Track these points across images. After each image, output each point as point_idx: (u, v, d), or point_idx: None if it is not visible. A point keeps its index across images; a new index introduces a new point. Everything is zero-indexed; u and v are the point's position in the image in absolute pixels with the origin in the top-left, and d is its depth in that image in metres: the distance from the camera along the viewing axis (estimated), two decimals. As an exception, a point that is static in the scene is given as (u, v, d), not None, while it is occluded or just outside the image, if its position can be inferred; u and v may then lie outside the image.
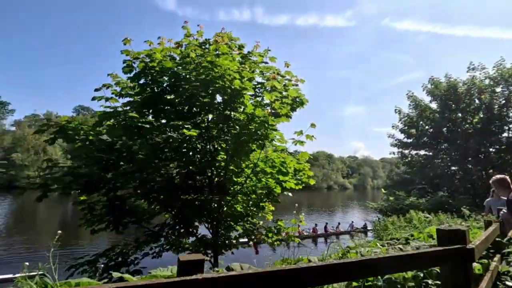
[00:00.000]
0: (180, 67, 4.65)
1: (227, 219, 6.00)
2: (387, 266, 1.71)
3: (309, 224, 21.29)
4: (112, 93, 5.25)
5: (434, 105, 21.35)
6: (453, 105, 20.06)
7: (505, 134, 19.13)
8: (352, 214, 38.20)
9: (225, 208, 5.47)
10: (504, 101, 18.93)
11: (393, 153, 22.89)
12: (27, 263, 1.89)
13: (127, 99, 5.39)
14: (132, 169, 4.61)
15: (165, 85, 4.70)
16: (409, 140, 22.01)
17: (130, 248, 6.35)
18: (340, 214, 38.94)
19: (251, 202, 6.20)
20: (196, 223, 6.77)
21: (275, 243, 5.71)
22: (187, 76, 4.66)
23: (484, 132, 18.69)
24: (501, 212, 4.34)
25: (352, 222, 24.44)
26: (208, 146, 5.77)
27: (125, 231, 6.04)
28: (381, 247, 3.68)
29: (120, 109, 4.70)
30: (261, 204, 6.05)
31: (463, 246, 2.15)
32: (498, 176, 4.58)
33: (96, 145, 4.88)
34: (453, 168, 20.81)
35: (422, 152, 22.11)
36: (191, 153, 5.54)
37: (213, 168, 5.72)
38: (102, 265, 5.41)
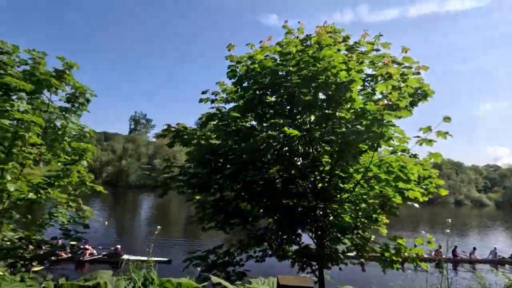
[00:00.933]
0: (281, 65, 4.45)
1: (333, 229, 5.37)
2: None
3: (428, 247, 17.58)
4: (220, 100, 5.57)
5: None
6: None
7: None
8: (494, 238, 29.89)
9: (331, 217, 4.89)
10: None
11: None
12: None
13: (232, 104, 5.62)
14: (234, 171, 4.67)
15: (265, 85, 4.60)
16: None
17: (235, 249, 6.56)
18: (475, 236, 31.08)
19: (360, 213, 5.39)
20: (299, 231, 6.42)
21: (395, 265, 4.70)
22: (288, 74, 4.42)
23: None
24: None
25: (495, 248, 18.81)
26: (311, 149, 5.35)
27: (234, 231, 6.29)
28: None
29: (225, 107, 4.88)
30: (373, 216, 5.16)
31: None
32: None
33: (205, 148, 5.23)
34: None
35: None
36: (292, 156, 5.25)
37: (316, 173, 5.25)
38: (210, 262, 5.74)
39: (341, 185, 5.28)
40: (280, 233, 6.65)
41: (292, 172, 5.55)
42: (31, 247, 5.35)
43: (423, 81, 5.02)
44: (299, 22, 5.38)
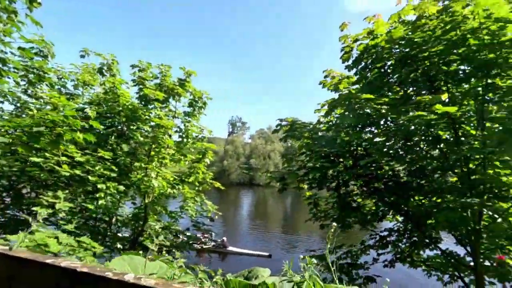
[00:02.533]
0: (418, 32, 3.63)
1: (495, 235, 4.15)
2: None
3: None
4: (341, 86, 5.11)
5: None
6: None
7: None
8: None
9: (498, 219, 3.76)
10: None
11: None
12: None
13: (346, 91, 5.07)
14: (361, 163, 4.12)
15: (394, 59, 3.88)
16: None
17: (356, 250, 5.97)
18: None
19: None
20: (436, 234, 5.33)
21: None
22: (425, 41, 3.58)
23: None
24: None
25: None
26: (453, 133, 4.28)
27: (356, 231, 5.76)
28: None
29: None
30: None
31: None
32: None
33: (318, 141, 4.87)
34: None
35: None
36: (429, 144, 4.32)
37: (467, 163, 4.17)
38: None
39: (504, 178, 4.01)
40: (407, 234, 5.70)
41: (424, 163, 4.59)
42: (170, 236, 6.12)
43: None
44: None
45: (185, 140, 6.46)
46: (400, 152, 4.56)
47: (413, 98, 3.62)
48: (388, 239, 5.80)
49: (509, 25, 3.11)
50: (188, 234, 6.30)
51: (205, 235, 15.14)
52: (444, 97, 3.81)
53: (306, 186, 5.25)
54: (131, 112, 5.57)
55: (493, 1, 3.10)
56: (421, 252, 5.68)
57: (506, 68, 3.44)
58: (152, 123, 5.87)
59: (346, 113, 4.06)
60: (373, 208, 5.46)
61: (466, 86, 4.01)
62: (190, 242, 6.44)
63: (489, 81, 3.70)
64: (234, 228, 24.06)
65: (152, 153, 6.10)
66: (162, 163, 6.01)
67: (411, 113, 3.37)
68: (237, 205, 38.40)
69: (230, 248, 15.35)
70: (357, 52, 4.53)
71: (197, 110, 6.52)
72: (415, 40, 3.51)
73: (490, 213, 3.61)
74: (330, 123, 5.01)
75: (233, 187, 57.37)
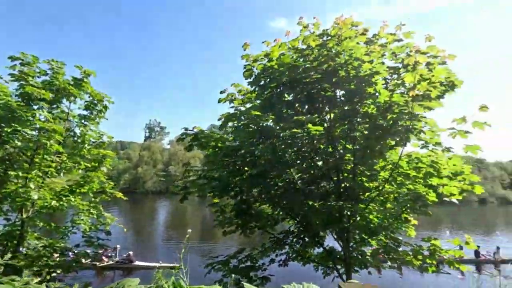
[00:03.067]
0: (299, 61, 4.29)
1: (360, 231, 5.12)
2: None
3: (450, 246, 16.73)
4: (236, 102, 5.46)
5: None
6: None
7: None
8: (525, 237, 28.29)
9: (358, 218, 4.65)
10: None
11: None
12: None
13: (249, 105, 5.49)
14: (254, 173, 4.52)
15: (283, 82, 4.45)
16: None
17: (257, 253, 6.40)
18: (502, 236, 29.49)
19: (388, 213, 5.11)
20: (322, 233, 6.18)
21: (430, 268, 4.40)
22: (307, 70, 4.26)
23: None
24: None
25: None
26: (331, 148, 5.14)
27: (255, 235, 6.14)
28: None
29: (243, 108, 4.76)
30: (403, 216, 4.88)
31: None
32: None
33: (223, 150, 5.12)
34: None
35: None
36: (314, 155, 5.06)
37: (338, 172, 5.04)
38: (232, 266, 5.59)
39: (366, 184, 5.03)
40: (302, 236, 6.44)
41: (312, 172, 5.36)
42: (55, 255, 5.37)
43: (450, 71, 4.73)
44: (314, 18, 5.23)
45: (80, 146, 5.83)
46: (291, 162, 5.17)
47: (297, 116, 4.20)
48: (285, 240, 6.44)
49: (364, 64, 3.96)
50: (76, 251, 5.63)
51: (108, 251, 13.70)
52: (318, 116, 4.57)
53: (210, 194, 5.41)
54: (6, 111, 4.75)
55: (353, 44, 3.91)
56: (312, 250, 6.50)
57: (364, 97, 4.34)
58: (38, 126, 5.12)
59: (241, 126, 4.42)
60: (271, 213, 6.01)
61: (346, 108, 4.92)
62: (87, 260, 5.78)
63: (355, 107, 4.61)
64: (147, 240, 22.45)
65: (36, 160, 5.30)
66: (48, 172, 5.27)
67: (294, 129, 3.92)
68: (151, 215, 35.92)
69: (137, 263, 14.27)
70: (257, 71, 4.99)
71: (95, 113, 5.98)
72: (300, 67, 4.14)
73: (349, 213, 4.43)
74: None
75: (149, 196, 53.56)
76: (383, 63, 4.76)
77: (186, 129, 5.19)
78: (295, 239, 6.39)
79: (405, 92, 3.61)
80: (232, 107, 4.88)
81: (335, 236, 5.31)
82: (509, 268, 16.02)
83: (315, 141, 4.62)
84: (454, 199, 4.04)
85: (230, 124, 4.73)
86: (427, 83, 3.81)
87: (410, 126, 3.61)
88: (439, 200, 4.14)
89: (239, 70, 5.67)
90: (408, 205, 4.32)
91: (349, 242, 5.07)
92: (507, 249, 18.57)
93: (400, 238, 5.34)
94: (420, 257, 4.56)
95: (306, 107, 5.08)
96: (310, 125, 3.55)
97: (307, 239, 6.27)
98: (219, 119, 4.83)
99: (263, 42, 4.80)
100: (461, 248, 5.10)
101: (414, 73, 3.70)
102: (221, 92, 4.83)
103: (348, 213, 4.38)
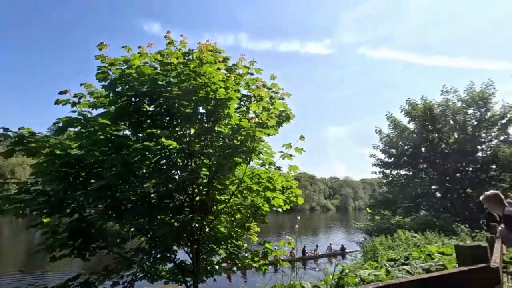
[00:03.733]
0: (161, 74, 4.32)
1: (209, 241, 5.46)
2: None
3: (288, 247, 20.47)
4: (85, 104, 4.79)
5: (412, 126, 22.06)
6: (430, 126, 20.79)
7: (479, 154, 19.91)
8: (334, 235, 37.75)
9: (207, 229, 4.97)
10: (476, 123, 19.86)
11: (375, 172, 23.15)
12: None
13: (101, 110, 4.94)
14: (101, 186, 4.07)
15: (143, 93, 4.31)
16: (390, 160, 22.39)
17: (97, 277, 5.61)
18: (323, 236, 38.37)
19: (235, 223, 5.73)
20: (175, 247, 6.16)
21: (262, 268, 5.20)
22: (168, 84, 4.33)
23: (460, 152, 19.35)
24: (499, 228, 4.17)
25: (330, 244, 23.92)
26: (190, 162, 5.34)
27: (98, 257, 5.37)
28: (380, 267, 3.33)
29: (89, 115, 4.23)
30: (246, 224, 5.59)
31: (487, 264, 1.86)
32: (490, 192, 4.37)
33: (62, 159, 4.32)
34: (433, 187, 21.21)
35: (402, 172, 22.49)
36: (170, 169, 5.08)
37: (194, 186, 5.26)
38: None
39: (218, 196, 5.48)
40: (153, 252, 6.18)
41: (170, 186, 5.36)
42: None
43: (287, 105, 5.96)
44: (182, 36, 5.42)
45: None
46: (147, 175, 4.99)
47: (156, 128, 4.16)
48: (134, 259, 5.98)
49: (220, 89, 4.42)
50: None
51: None
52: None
53: (36, 212, 4.39)
54: None
55: (212, 70, 4.32)
56: (163, 266, 6.33)
57: (220, 118, 4.81)
58: None
59: (86, 133, 3.94)
60: (119, 230, 5.49)
61: (205, 125, 5.24)
62: None
63: (212, 126, 5.02)
64: None
65: None
66: None
67: (146, 142, 3.85)
68: None
69: None
70: (114, 75, 4.62)
71: None
72: (159, 82, 4.17)
73: (198, 225, 4.72)
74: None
75: None
76: (239, 90, 5.47)
77: (6, 129, 4.07)
78: (145, 257, 6.05)
79: (252, 119, 4.28)
80: (74, 111, 4.23)
81: (186, 249, 5.43)
82: (324, 260, 20.84)
83: (171, 155, 4.68)
84: (280, 209, 5.03)
85: (71, 129, 4.08)
86: (267, 114, 4.68)
87: (252, 148, 4.29)
88: (270, 210, 5.05)
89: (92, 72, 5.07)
90: (249, 215, 5.02)
91: (199, 254, 5.31)
92: (324, 246, 24.16)
93: (246, 244, 6.06)
94: (256, 259, 5.32)
95: (167, 119, 5.11)
96: (163, 139, 3.60)
97: (158, 255, 6.08)
98: (55, 123, 4.08)
99: (123, 47, 4.52)
100: (293, 248, 6.35)
101: (258, 104, 4.47)
102: (61, 93, 4.13)
103: (197, 225, 4.61)
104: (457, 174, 20.09)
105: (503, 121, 19.17)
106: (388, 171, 22.63)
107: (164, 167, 4.81)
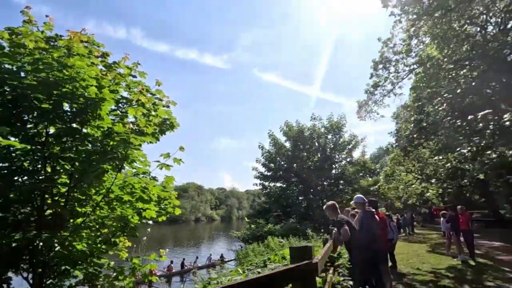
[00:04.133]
0: (8, 56, 3.46)
1: (61, 262, 4.60)
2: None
3: (167, 262, 19.62)
4: None
5: (288, 144, 25.48)
6: (301, 146, 24.61)
7: (333, 171, 24.83)
8: (216, 245, 38.46)
9: (57, 248, 4.19)
10: (333, 146, 24.81)
11: (256, 184, 25.32)
12: None
13: None
14: None
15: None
16: (269, 173, 25.03)
17: None
18: (205, 246, 38.44)
19: (99, 239, 5.06)
20: (11, 273, 4.87)
21: (128, 286, 4.76)
22: (18, 70, 3.51)
23: (321, 169, 23.65)
24: (334, 231, 5.27)
25: (211, 255, 24.34)
26: (44, 167, 4.44)
27: None
28: (242, 273, 3.65)
29: None
30: (113, 240, 5.03)
31: (310, 261, 2.34)
32: (328, 202, 5.64)
33: None
34: (300, 198, 24.91)
35: (278, 184, 25.47)
36: (12, 174, 4.06)
37: (47, 195, 4.40)
38: None
39: (79, 209, 4.74)
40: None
41: (10, 195, 4.27)
42: None
43: (171, 114, 5.84)
44: (47, 16, 4.57)
45: None
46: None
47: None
48: None
49: (91, 87, 3.94)
50: None
51: None
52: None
53: None
54: None
55: (82, 64, 3.82)
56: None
57: (89, 119, 4.25)
58: None
59: None
60: None
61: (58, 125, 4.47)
62: None
63: (78, 126, 4.37)
64: None
65: None
66: None
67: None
68: None
69: None
70: None
71: None
72: (5, 65, 3.35)
73: (41, 243, 3.96)
74: None
75: None
76: (117, 91, 5.00)
77: None
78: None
79: (124, 124, 3.98)
80: None
81: (25, 275, 4.38)
82: (204, 271, 20.78)
83: (15, 159, 3.78)
84: (151, 221, 4.81)
85: None
86: (146, 121, 4.47)
87: (125, 155, 3.98)
88: (140, 223, 4.74)
89: None
90: (116, 229, 4.55)
91: (43, 279, 4.37)
92: (205, 257, 24.14)
93: (112, 262, 5.41)
94: (121, 277, 4.83)
95: (14, 112, 4.11)
96: (1, 139, 2.87)
97: None
98: None
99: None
100: (171, 262, 6.04)
101: (137, 109, 4.21)
102: None
103: (43, 244, 3.84)
104: (318, 187, 24.29)
105: (349, 146, 24.69)
106: (266, 183, 25.14)
107: (5, 171, 3.82)
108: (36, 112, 3.91)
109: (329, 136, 25.21)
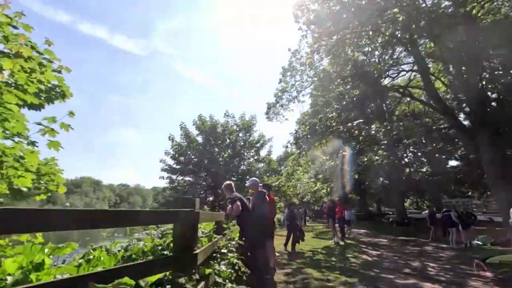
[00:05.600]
0: None
1: None
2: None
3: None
4: None
5: (200, 139, 25.39)
6: (213, 141, 24.90)
7: (241, 167, 26.05)
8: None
9: None
10: (243, 143, 26.04)
11: (163, 177, 24.28)
12: None
13: None
14: None
15: None
16: (178, 167, 24.38)
17: None
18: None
19: None
20: None
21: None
22: None
23: (230, 165, 24.48)
24: (228, 208, 5.73)
25: None
26: None
27: None
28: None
29: None
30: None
31: (193, 209, 2.63)
32: (226, 182, 6.14)
33: None
34: (208, 192, 25.15)
35: (187, 178, 25.06)
36: None
37: None
38: None
39: None
40: None
41: None
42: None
43: (63, 81, 5.24)
44: None
45: None
46: None
47: None
48: None
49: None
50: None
51: None
52: None
53: None
54: None
55: None
56: None
57: None
58: None
59: None
60: None
61: None
62: None
63: None
64: None
65: None
66: None
67: None
68: None
69: None
70: None
71: None
72: None
73: None
74: None
75: None
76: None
77: None
78: None
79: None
80: None
81: None
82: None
83: None
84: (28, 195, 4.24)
85: None
86: (27, 77, 3.93)
87: (-5, 111, 3.42)
88: (9, 197, 4.12)
89: None
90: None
91: None
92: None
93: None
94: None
95: None
96: None
97: None
98: None
99: None
100: None
101: (15, 61, 3.67)
102: None
103: None
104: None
105: (258, 145, 26.40)
106: (174, 177, 24.42)
107: None
108: None
109: (240, 134, 26.36)
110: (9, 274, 1.44)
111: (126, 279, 1.56)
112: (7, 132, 3.90)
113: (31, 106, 4.51)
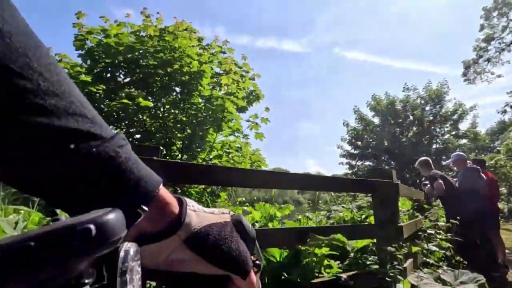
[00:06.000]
0: (138, 43, 4.61)
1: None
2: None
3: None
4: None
5: (376, 120, 23.65)
6: (392, 120, 22.46)
7: (434, 146, 21.91)
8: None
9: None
10: (432, 118, 21.80)
11: (342, 163, 24.60)
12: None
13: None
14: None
15: (120, 62, 4.60)
16: (356, 152, 23.91)
17: None
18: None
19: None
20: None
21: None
22: (145, 55, 4.64)
23: (417, 144, 21.19)
24: (427, 187, 5.02)
25: None
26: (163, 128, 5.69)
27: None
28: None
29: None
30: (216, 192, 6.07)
31: (391, 180, 2.51)
32: (421, 158, 5.32)
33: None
34: (393, 177, 23.00)
35: (367, 163, 24.09)
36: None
37: (167, 157, 5.64)
38: None
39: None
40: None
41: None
42: None
43: (257, 85, 6.48)
44: (158, 13, 5.73)
45: None
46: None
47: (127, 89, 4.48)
48: None
49: (194, 62, 4.83)
50: None
51: None
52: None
53: None
54: None
55: (186, 42, 4.71)
56: None
57: (193, 90, 5.22)
58: None
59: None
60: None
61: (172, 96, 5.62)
62: None
63: (185, 96, 5.41)
64: None
65: None
66: None
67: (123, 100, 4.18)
68: None
69: None
70: (91, 44, 4.84)
71: None
72: (137, 48, 4.48)
73: None
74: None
75: None
76: (212, 67, 5.89)
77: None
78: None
79: (219, 90, 4.74)
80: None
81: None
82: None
83: (147, 124, 5.02)
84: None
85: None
86: (236, 86, 5.17)
87: (223, 116, 4.77)
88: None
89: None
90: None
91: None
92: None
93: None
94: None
95: (143, 88, 5.42)
96: (141, 99, 3.95)
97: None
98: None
99: (101, 17, 4.76)
100: None
101: (229, 76, 4.94)
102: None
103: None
104: (411, 166, 21.92)
105: (454, 117, 21.22)
106: (353, 162, 24.12)
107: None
108: (157, 86, 5.05)
109: (427, 107, 22.20)
110: (256, 221, 1.96)
111: (339, 236, 1.74)
112: (229, 130, 5.34)
113: (240, 109, 5.79)
